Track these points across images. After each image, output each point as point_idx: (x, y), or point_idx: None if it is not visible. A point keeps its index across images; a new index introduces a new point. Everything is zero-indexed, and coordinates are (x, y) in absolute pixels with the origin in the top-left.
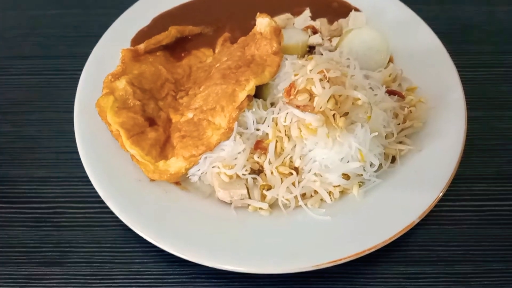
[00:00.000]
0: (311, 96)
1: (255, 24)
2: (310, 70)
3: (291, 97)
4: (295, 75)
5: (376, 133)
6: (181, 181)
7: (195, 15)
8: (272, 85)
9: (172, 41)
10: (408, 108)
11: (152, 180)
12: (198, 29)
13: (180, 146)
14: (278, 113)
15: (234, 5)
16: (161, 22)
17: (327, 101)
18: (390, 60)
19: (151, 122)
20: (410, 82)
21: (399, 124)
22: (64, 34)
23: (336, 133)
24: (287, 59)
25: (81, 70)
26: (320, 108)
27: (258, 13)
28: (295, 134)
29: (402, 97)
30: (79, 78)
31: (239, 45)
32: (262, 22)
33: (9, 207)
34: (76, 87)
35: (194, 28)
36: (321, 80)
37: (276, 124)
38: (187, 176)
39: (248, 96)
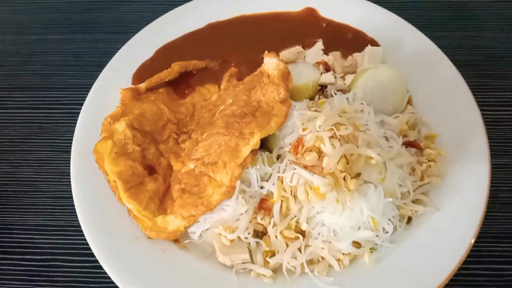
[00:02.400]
0: (320, 154)
1: (263, 58)
2: (319, 126)
3: (298, 155)
4: (303, 129)
5: (391, 199)
6: (180, 238)
7: (200, 46)
8: (278, 136)
9: (175, 77)
10: (427, 163)
11: (150, 238)
12: (203, 63)
13: (179, 204)
14: (284, 172)
15: (241, 36)
16: (164, 55)
17: (338, 162)
18: (409, 102)
19: (151, 170)
20: (429, 128)
21: (415, 181)
22: (64, 63)
23: (347, 197)
24: (295, 108)
25: (81, 104)
26: (330, 169)
27: (266, 52)
28: (302, 198)
29: (420, 149)
30: (78, 112)
31: (245, 86)
32: (270, 63)
33: (3, 258)
34: (75, 122)
35: (199, 62)
36: (331, 137)
37: (282, 183)
38: (187, 233)
39: (252, 150)
